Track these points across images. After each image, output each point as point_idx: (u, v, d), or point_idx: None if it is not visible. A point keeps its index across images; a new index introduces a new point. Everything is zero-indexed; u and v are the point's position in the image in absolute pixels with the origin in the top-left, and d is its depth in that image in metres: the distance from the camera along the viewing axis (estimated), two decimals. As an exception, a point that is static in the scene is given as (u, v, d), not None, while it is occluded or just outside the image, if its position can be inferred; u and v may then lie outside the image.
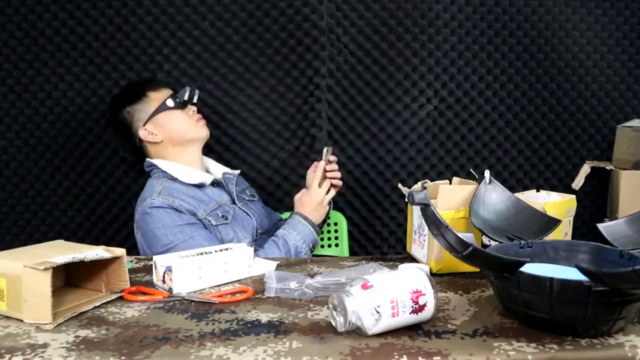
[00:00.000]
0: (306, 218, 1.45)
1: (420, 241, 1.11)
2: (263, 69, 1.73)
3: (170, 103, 1.49)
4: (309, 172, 1.53)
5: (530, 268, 0.76)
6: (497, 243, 0.94)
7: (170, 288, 0.96)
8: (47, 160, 1.74)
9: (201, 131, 1.52)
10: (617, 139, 1.71)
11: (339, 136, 1.75)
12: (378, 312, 0.75)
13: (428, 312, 0.78)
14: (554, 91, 1.76)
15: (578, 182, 1.77)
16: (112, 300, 0.93)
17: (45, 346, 0.75)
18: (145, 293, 0.96)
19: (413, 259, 1.15)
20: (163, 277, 0.98)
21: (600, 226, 0.93)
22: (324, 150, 1.51)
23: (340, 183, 1.54)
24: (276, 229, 1.48)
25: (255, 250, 1.30)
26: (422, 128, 1.74)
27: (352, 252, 1.79)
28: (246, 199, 1.57)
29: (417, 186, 1.12)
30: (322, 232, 1.66)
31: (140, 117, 1.49)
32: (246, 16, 1.69)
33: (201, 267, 1.00)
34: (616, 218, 1.03)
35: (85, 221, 1.78)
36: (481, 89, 1.76)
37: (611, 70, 1.77)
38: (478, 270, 1.04)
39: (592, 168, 1.76)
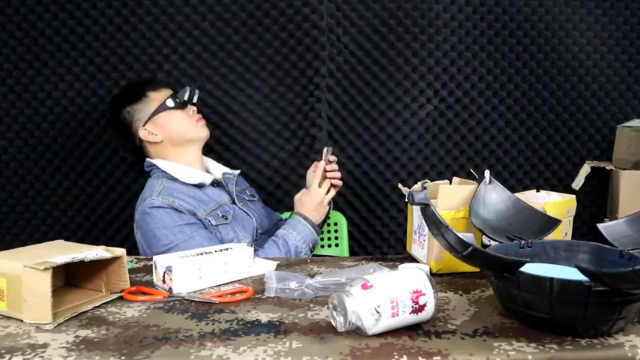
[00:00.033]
0: (306, 218, 1.45)
1: (420, 241, 1.11)
2: (263, 69, 1.73)
3: (170, 103, 1.49)
4: (309, 172, 1.53)
5: (530, 268, 0.76)
6: (497, 243, 0.94)
7: (170, 288, 0.96)
8: (47, 160, 1.74)
9: (201, 131, 1.52)
10: (617, 139, 1.71)
11: (339, 136, 1.75)
12: (378, 312, 0.75)
13: (428, 312, 0.78)
14: (554, 91, 1.76)
15: (578, 182, 1.77)
16: (112, 300, 0.93)
17: (45, 346, 0.75)
18: (145, 293, 0.96)
19: (413, 259, 1.15)
20: (163, 277, 0.98)
21: (600, 226, 0.93)
22: (324, 150, 1.51)
23: (340, 183, 1.54)
24: (276, 229, 1.48)
25: (255, 250, 1.30)
26: (422, 128, 1.74)
27: (352, 252, 1.79)
28: (246, 199, 1.57)
29: (417, 186, 1.12)
30: (322, 232, 1.66)
31: (140, 117, 1.49)
32: (246, 16, 1.69)
33: (201, 267, 1.00)
34: (616, 218, 1.03)
35: (85, 221, 1.78)
36: (481, 89, 1.76)
37: (611, 70, 1.77)
38: (478, 270, 1.04)
39: (592, 168, 1.76)
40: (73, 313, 0.86)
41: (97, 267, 0.96)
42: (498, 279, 0.80)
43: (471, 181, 1.14)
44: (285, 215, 1.67)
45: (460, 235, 0.79)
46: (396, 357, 0.70)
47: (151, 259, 1.05)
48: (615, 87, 1.77)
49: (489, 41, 1.73)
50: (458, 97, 1.75)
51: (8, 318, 0.85)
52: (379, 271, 0.98)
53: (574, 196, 1.13)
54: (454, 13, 1.70)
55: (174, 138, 1.49)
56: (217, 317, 0.85)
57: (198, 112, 1.56)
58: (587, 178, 1.77)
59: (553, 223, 1.00)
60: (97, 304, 0.90)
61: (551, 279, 0.72)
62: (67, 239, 1.07)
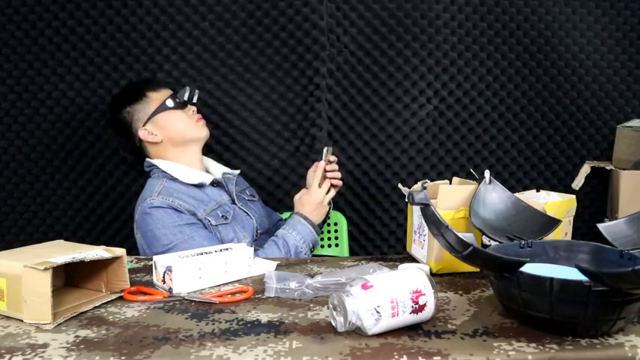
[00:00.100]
0: (306, 218, 1.45)
1: (420, 241, 1.11)
2: (263, 69, 1.73)
3: (170, 103, 1.49)
4: (309, 172, 1.53)
5: (530, 268, 0.76)
6: (497, 243, 0.94)
7: (170, 288, 0.96)
8: (47, 160, 1.74)
9: (201, 131, 1.52)
10: (617, 139, 1.71)
11: (339, 136, 1.75)
12: (378, 312, 0.75)
13: (428, 312, 0.78)
14: (554, 91, 1.76)
15: (578, 182, 1.77)
16: (112, 300, 0.93)
17: (45, 346, 0.75)
18: (145, 293, 0.96)
19: (413, 259, 1.15)
20: (163, 277, 0.98)
21: (600, 226, 0.93)
22: (324, 150, 1.51)
23: (340, 183, 1.54)
24: (276, 229, 1.48)
25: (255, 250, 1.30)
26: (422, 128, 1.74)
27: (352, 252, 1.79)
28: (246, 199, 1.57)
29: (417, 186, 1.12)
30: (322, 232, 1.66)
31: (140, 117, 1.49)
32: (246, 16, 1.69)
33: (201, 267, 1.00)
34: (616, 218, 1.03)
35: (85, 221, 1.78)
36: (481, 89, 1.76)
37: (611, 70, 1.77)
38: (478, 270, 1.04)
39: (592, 168, 1.76)
40: (73, 313, 0.86)
41: (97, 267, 0.96)
42: (498, 279, 0.80)
43: (471, 181, 1.14)
44: (285, 215, 1.67)
45: (460, 235, 0.79)
46: (396, 357, 0.70)
47: (151, 259, 1.05)
48: (615, 87, 1.77)
49: (489, 41, 1.73)
50: (458, 97, 1.75)
51: (8, 318, 0.85)
52: (379, 271, 0.98)
53: (574, 196, 1.13)
54: (454, 13, 1.70)
55: (174, 138, 1.49)
56: (217, 317, 0.85)
57: (198, 112, 1.56)
58: (587, 178, 1.77)
59: (553, 223, 1.00)
60: (97, 304, 0.90)
61: (551, 279, 0.72)
62: (67, 239, 1.07)
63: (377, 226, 1.79)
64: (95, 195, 1.76)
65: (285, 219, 1.54)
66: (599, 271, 0.70)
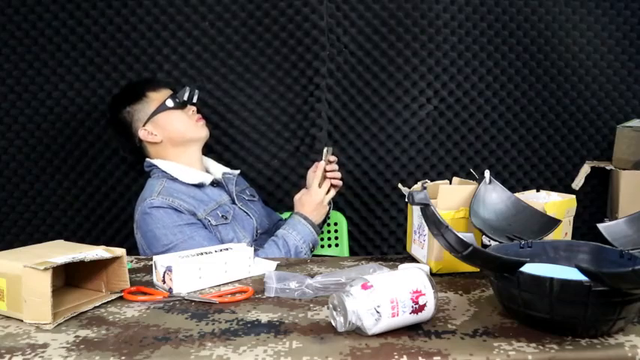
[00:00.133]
0: (306, 218, 1.45)
1: (420, 241, 1.11)
2: (263, 69, 1.73)
3: (170, 103, 1.49)
4: (309, 172, 1.53)
5: (530, 268, 0.76)
6: (497, 243, 0.94)
7: (170, 288, 0.96)
8: (47, 160, 1.74)
9: (200, 131, 1.52)
10: (617, 139, 1.71)
11: (339, 136, 1.75)
12: (378, 312, 0.75)
13: (428, 312, 0.78)
14: (554, 91, 1.76)
15: (578, 182, 1.77)
16: (112, 300, 0.93)
17: (45, 346, 0.75)
18: (145, 293, 0.96)
19: (413, 259, 1.15)
20: (163, 277, 0.98)
21: (600, 226, 0.93)
22: (324, 150, 1.51)
23: (340, 183, 1.54)
24: (276, 229, 1.48)
25: (255, 250, 1.30)
26: (422, 128, 1.74)
27: (352, 252, 1.79)
28: (246, 199, 1.57)
29: (417, 186, 1.12)
30: (322, 232, 1.66)
31: (140, 117, 1.49)
32: (246, 16, 1.69)
33: (201, 267, 1.00)
34: (616, 218, 1.03)
35: (85, 221, 1.78)
36: (481, 89, 1.76)
37: (611, 70, 1.77)
38: (478, 270, 1.04)
39: (592, 168, 1.76)
40: (73, 313, 0.86)
41: (97, 267, 0.96)
42: (498, 279, 0.80)
43: (471, 181, 1.14)
44: (285, 215, 1.67)
45: (460, 235, 0.79)
46: (396, 357, 0.70)
47: (151, 259, 1.05)
48: (615, 87, 1.77)
49: (489, 41, 1.73)
50: (458, 97, 1.75)
51: (8, 318, 0.85)
52: (379, 271, 0.98)
53: (574, 196, 1.13)
54: (454, 13, 1.70)
55: (174, 138, 1.49)
56: (217, 317, 0.85)
57: (198, 112, 1.56)
58: (587, 178, 1.77)
59: (553, 223, 1.00)
60: (97, 304, 0.90)
61: (551, 279, 0.72)
62: (67, 239, 1.07)
63: (377, 226, 1.79)
64: (95, 195, 1.76)
65: (285, 219, 1.54)
66: (599, 271, 0.70)
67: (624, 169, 1.64)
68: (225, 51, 1.71)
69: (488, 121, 1.77)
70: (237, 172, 1.59)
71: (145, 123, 1.48)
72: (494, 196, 1.07)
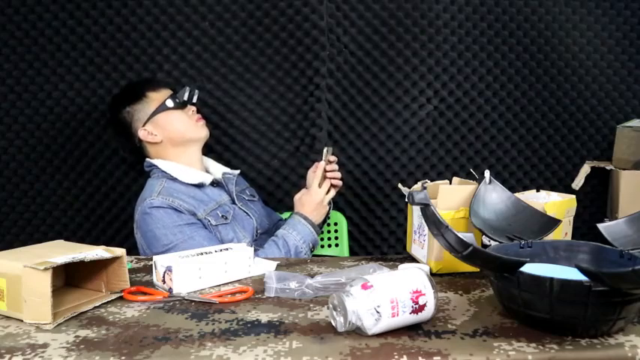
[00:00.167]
0: (306, 218, 1.45)
1: (420, 241, 1.11)
2: (263, 69, 1.73)
3: (169, 103, 1.49)
4: (309, 172, 1.53)
5: (530, 268, 0.76)
6: (497, 243, 0.94)
7: (170, 288, 0.96)
8: (47, 160, 1.74)
9: (200, 131, 1.52)
10: (617, 139, 1.71)
11: (339, 136, 1.75)
12: (378, 312, 0.75)
13: (428, 312, 0.78)
14: (554, 91, 1.76)
15: (578, 182, 1.77)
16: (112, 300, 0.93)
17: (45, 346, 0.75)
18: (145, 293, 0.96)
19: (413, 259, 1.15)
20: (163, 277, 0.98)
21: (600, 226, 0.93)
22: (324, 150, 1.51)
23: (340, 183, 1.54)
24: (276, 229, 1.48)
25: (255, 250, 1.30)
26: (422, 128, 1.74)
27: (352, 252, 1.79)
28: (246, 199, 1.57)
29: (417, 186, 1.12)
30: (322, 232, 1.66)
31: (140, 117, 1.49)
32: (246, 16, 1.69)
33: (201, 267, 1.00)
34: (616, 218, 1.03)
35: (85, 221, 1.78)
36: (481, 89, 1.76)
37: (611, 70, 1.77)
38: (478, 270, 1.04)
39: (592, 168, 1.76)
40: (73, 313, 0.86)
41: (97, 267, 0.96)
42: (498, 279, 0.80)
43: (471, 181, 1.14)
44: (285, 215, 1.67)
45: (460, 235, 0.79)
46: (396, 357, 0.70)
47: (151, 259, 1.05)
48: (615, 87, 1.77)
49: (489, 41, 1.73)
50: (458, 97, 1.75)
51: (8, 318, 0.85)
52: (379, 271, 0.98)
53: (574, 196, 1.13)
54: (454, 13, 1.70)
55: (173, 138, 1.49)
56: (217, 317, 0.85)
57: (198, 112, 1.56)
58: (587, 178, 1.77)
59: (553, 223, 1.00)
60: (97, 304, 0.90)
61: (551, 279, 0.72)
62: (67, 239, 1.07)
63: (377, 226, 1.79)
64: (95, 195, 1.76)
65: (285, 219, 1.54)
66: (599, 271, 0.70)
67: (624, 169, 1.64)
68: (225, 51, 1.71)
69: (489, 121, 1.77)
70: (237, 172, 1.59)
71: (145, 123, 1.48)
72: (494, 196, 1.07)
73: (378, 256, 1.33)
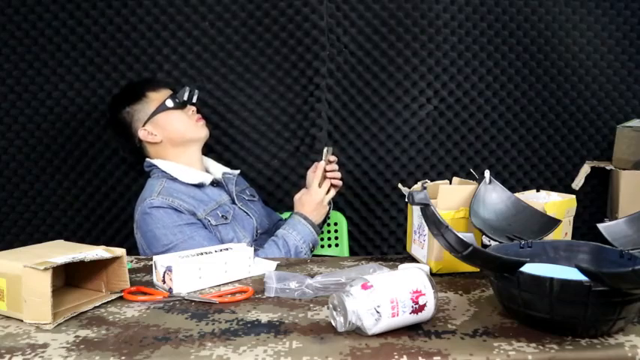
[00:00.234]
0: (306, 218, 1.45)
1: (420, 241, 1.11)
2: (263, 69, 1.73)
3: (169, 103, 1.49)
4: (309, 172, 1.53)
5: (530, 268, 0.76)
6: (497, 243, 0.94)
7: (170, 288, 0.96)
8: (47, 160, 1.74)
9: (200, 131, 1.52)
10: (617, 139, 1.71)
11: (339, 136, 1.75)
12: (378, 312, 0.75)
13: (428, 312, 0.78)
14: (554, 91, 1.76)
15: (578, 182, 1.77)
16: (112, 300, 0.93)
17: (45, 346, 0.75)
18: (145, 293, 0.96)
19: (413, 259, 1.15)
20: (163, 277, 0.98)
21: (600, 226, 0.93)
22: (324, 150, 1.51)
23: (340, 183, 1.54)
24: (276, 229, 1.48)
25: (255, 250, 1.30)
26: (422, 128, 1.74)
27: (352, 252, 1.79)
28: (246, 199, 1.57)
29: (417, 186, 1.12)
30: (322, 232, 1.66)
31: (140, 117, 1.49)
32: (246, 16, 1.69)
33: (201, 267, 1.00)
34: (616, 218, 1.03)
35: (85, 221, 1.78)
36: (481, 89, 1.76)
37: (611, 70, 1.77)
38: (478, 270, 1.04)
39: (592, 168, 1.76)
40: (73, 313, 0.86)
41: (97, 267, 0.96)
42: (498, 279, 0.80)
43: (471, 181, 1.14)
44: (285, 215, 1.67)
45: (460, 235, 0.79)
46: (396, 357, 0.70)
47: (151, 259, 1.05)
48: (615, 87, 1.77)
49: (489, 41, 1.73)
50: (458, 97, 1.75)
51: (8, 318, 0.85)
52: (379, 271, 0.98)
53: (574, 196, 1.13)
54: (454, 13, 1.70)
55: (173, 138, 1.49)
56: (217, 317, 0.85)
57: (198, 112, 1.56)
58: (587, 178, 1.77)
59: (553, 223, 1.00)
60: (97, 304, 0.90)
61: (551, 279, 0.72)
62: (67, 239, 1.07)
63: (377, 226, 1.79)
64: (95, 195, 1.76)
65: (285, 219, 1.54)
66: (599, 271, 0.70)
67: (624, 169, 1.64)
68: (225, 51, 1.71)
69: (489, 121, 1.77)
70: (237, 172, 1.59)
71: (145, 123, 1.48)
72: (494, 196, 1.07)
73: (378, 256, 1.33)
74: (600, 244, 0.89)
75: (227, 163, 1.68)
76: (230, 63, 1.72)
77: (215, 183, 1.50)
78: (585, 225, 1.70)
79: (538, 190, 1.17)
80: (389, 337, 0.76)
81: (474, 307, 0.88)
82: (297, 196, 1.51)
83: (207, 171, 1.55)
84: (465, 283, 1.00)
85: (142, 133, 1.48)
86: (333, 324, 0.78)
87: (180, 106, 1.50)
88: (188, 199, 1.39)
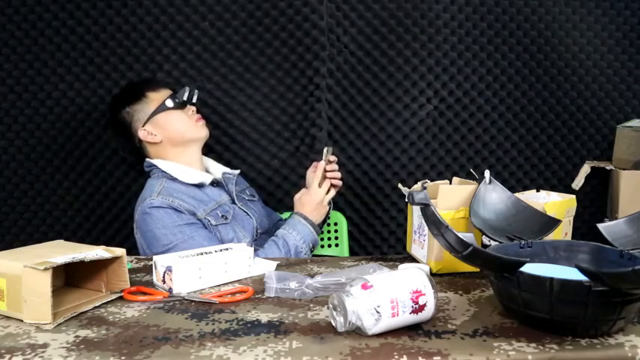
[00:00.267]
0: (306, 218, 1.45)
1: (420, 241, 1.11)
2: (263, 69, 1.73)
3: (169, 103, 1.49)
4: (309, 172, 1.53)
5: (530, 268, 0.76)
6: (497, 243, 0.94)
7: (170, 288, 0.96)
8: (47, 160, 1.74)
9: (200, 131, 1.52)
10: (617, 139, 1.71)
11: (339, 136, 1.75)
12: (378, 312, 0.75)
13: (428, 312, 0.78)
14: (554, 91, 1.76)
15: (578, 182, 1.77)
16: (112, 300, 0.93)
17: (45, 346, 0.75)
18: (145, 293, 0.96)
19: (413, 259, 1.15)
20: (163, 277, 0.98)
21: (600, 226, 0.93)
22: (324, 150, 1.51)
23: (340, 183, 1.54)
24: (276, 229, 1.48)
25: (255, 250, 1.30)
26: (422, 128, 1.74)
27: (352, 252, 1.79)
28: (246, 198, 1.57)
29: (417, 186, 1.12)
30: (322, 232, 1.66)
31: (139, 117, 1.49)
32: (246, 16, 1.69)
33: (201, 267, 1.00)
34: (616, 218, 1.03)
35: (85, 221, 1.78)
36: (481, 89, 1.76)
37: (611, 70, 1.77)
38: (478, 270, 1.04)
39: (592, 168, 1.76)
40: (73, 313, 0.86)
41: (97, 267, 0.96)
42: (498, 279, 0.80)
43: (471, 181, 1.14)
44: (285, 215, 1.67)
45: (460, 235, 0.79)
46: (396, 357, 0.70)
47: (151, 259, 1.05)
48: (615, 87, 1.77)
49: (489, 41, 1.73)
50: (458, 97, 1.75)
51: (8, 318, 0.85)
52: (379, 271, 0.98)
53: (574, 196, 1.13)
54: (454, 13, 1.70)
55: (173, 138, 1.49)
56: (217, 317, 0.85)
57: (198, 112, 1.56)
58: (587, 178, 1.77)
59: (553, 223, 1.00)
60: (97, 304, 0.90)
61: (551, 279, 0.72)
62: (67, 239, 1.07)
63: (377, 226, 1.79)
64: (95, 195, 1.76)
65: (285, 219, 1.54)
66: (599, 271, 0.70)
67: (624, 169, 1.64)
68: (225, 51, 1.71)
69: (489, 121, 1.77)
70: (237, 172, 1.59)
71: (145, 123, 1.48)
72: (494, 196, 1.07)
73: (378, 256, 1.33)
74: (600, 244, 0.89)
75: (227, 163, 1.68)
76: (230, 63, 1.72)
77: (215, 183, 1.50)
78: (585, 225, 1.70)
79: (538, 190, 1.17)
80: (389, 337, 0.76)
81: (474, 307, 0.88)
82: (297, 196, 1.51)
83: (207, 171, 1.55)
84: (465, 283, 1.00)
85: (141, 133, 1.48)
86: (333, 324, 0.78)
87: (180, 106, 1.50)
88: (188, 199, 1.39)
